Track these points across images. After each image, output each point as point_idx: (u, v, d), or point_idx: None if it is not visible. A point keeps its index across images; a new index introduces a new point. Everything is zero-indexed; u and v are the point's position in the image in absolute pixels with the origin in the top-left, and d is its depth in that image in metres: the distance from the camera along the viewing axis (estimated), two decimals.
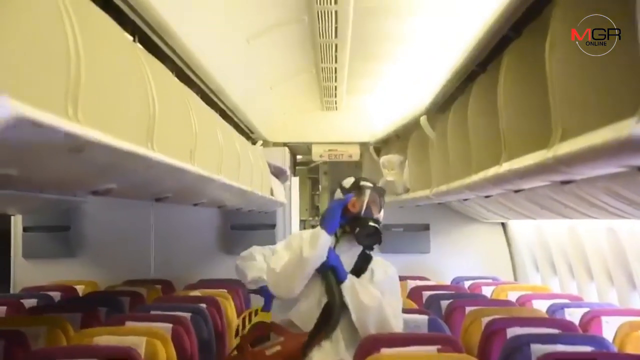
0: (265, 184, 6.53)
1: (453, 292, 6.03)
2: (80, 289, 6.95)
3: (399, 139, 6.81)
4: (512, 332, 3.92)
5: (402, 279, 7.21)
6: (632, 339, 3.93)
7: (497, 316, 4.28)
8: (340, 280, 3.31)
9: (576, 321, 4.37)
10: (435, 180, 4.99)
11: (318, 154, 8.35)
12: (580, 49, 1.93)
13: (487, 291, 6.28)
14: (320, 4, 3.85)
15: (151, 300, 6.07)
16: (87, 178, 2.40)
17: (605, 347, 3.59)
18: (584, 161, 1.98)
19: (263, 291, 4.98)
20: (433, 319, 4.24)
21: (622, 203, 2.59)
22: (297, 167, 10.18)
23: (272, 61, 5.33)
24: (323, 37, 4.55)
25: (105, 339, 3.86)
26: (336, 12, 4.02)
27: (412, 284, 6.68)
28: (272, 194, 6.53)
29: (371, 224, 3.44)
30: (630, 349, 3.87)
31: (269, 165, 7.16)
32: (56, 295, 6.39)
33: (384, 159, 6.82)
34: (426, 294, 5.81)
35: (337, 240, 3.49)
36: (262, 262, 4.91)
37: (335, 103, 7.40)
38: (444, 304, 5.26)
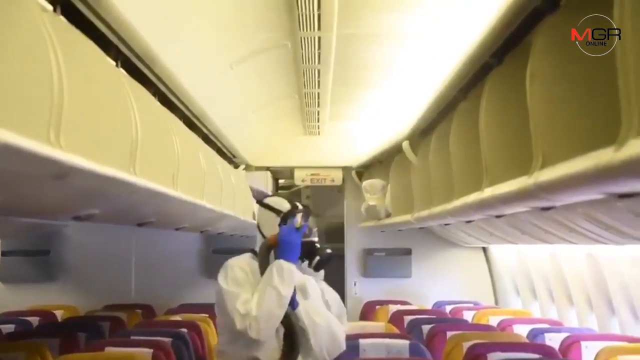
0: (247, 208, 6.53)
1: (434, 316, 6.03)
2: (60, 314, 6.87)
3: (381, 164, 6.84)
4: (493, 357, 3.93)
5: (384, 303, 7.26)
6: None
7: (478, 341, 4.28)
8: (293, 307, 3.25)
9: (556, 346, 4.40)
10: (417, 205, 5.01)
11: (300, 178, 8.36)
12: (560, 79, 1.96)
13: (468, 315, 6.30)
14: (303, 30, 3.88)
15: (131, 325, 6.01)
16: (69, 204, 2.38)
17: None
18: (564, 188, 2.00)
19: None
20: (414, 344, 4.24)
21: (601, 229, 2.61)
22: (279, 191, 10.18)
23: (255, 86, 5.34)
24: (306, 62, 4.58)
25: None
26: (319, 38, 4.05)
27: (393, 308, 6.69)
28: (254, 218, 6.52)
29: (327, 250, 3.38)
30: None
31: (251, 189, 7.16)
32: (34, 320, 6.30)
33: (366, 183, 6.85)
34: (407, 318, 5.81)
35: None
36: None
37: (318, 128, 7.42)
38: (426, 328, 5.25)
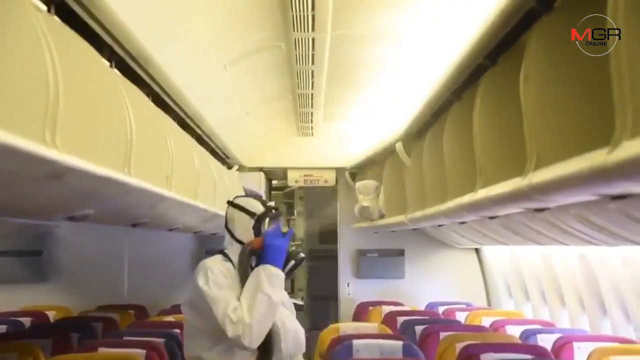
0: None
1: (427, 317, 6.04)
2: (52, 315, 6.84)
3: (375, 165, 6.85)
4: (486, 357, 3.94)
5: (377, 304, 7.26)
6: None
7: (471, 342, 4.30)
8: None
9: (548, 347, 4.42)
10: (410, 206, 5.01)
11: (294, 179, 8.36)
12: (554, 80, 1.97)
13: (461, 316, 6.31)
14: (297, 31, 3.88)
15: (124, 325, 6.00)
16: (64, 204, 2.38)
17: None
18: (558, 189, 2.01)
19: None
20: (407, 344, 4.25)
21: (593, 230, 2.62)
22: (272, 192, 10.17)
23: (249, 87, 5.34)
24: (300, 63, 4.58)
25: None
26: (313, 39, 4.05)
27: (386, 309, 6.70)
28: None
29: (301, 254, 3.34)
30: None
31: (245, 189, 7.15)
32: (27, 321, 6.28)
33: (359, 184, 6.85)
34: (401, 319, 5.81)
35: (251, 269, 3.23)
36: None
37: (312, 129, 7.42)
38: (419, 329, 5.26)
